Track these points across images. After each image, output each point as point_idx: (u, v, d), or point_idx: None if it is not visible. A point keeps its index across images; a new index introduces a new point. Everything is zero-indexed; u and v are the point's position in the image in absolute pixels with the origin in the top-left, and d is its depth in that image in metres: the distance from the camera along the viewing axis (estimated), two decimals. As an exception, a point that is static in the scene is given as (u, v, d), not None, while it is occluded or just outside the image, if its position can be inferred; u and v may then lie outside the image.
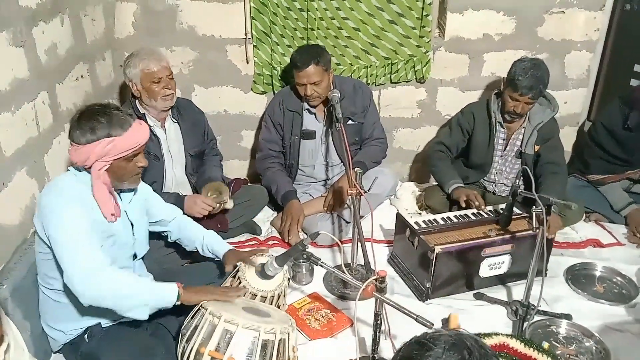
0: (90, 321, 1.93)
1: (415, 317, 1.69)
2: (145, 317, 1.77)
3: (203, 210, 2.55)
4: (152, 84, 2.50)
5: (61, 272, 1.76)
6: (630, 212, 2.99)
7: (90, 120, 1.74)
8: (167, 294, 1.80)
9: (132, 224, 1.99)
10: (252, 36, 3.12)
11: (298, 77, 2.74)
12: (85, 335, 1.92)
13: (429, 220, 2.60)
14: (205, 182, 2.71)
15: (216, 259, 2.56)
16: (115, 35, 3.08)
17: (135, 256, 2.04)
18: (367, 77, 3.22)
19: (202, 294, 1.84)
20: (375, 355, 1.95)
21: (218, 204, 2.61)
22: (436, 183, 3.08)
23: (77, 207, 1.75)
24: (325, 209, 2.95)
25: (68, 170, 1.88)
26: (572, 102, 3.42)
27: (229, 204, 2.68)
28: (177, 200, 2.54)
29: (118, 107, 1.83)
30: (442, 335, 1.02)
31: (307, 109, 2.92)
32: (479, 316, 2.37)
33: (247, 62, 3.20)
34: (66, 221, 1.72)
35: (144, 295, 1.77)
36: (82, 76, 2.68)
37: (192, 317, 1.80)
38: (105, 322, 1.95)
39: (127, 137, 1.76)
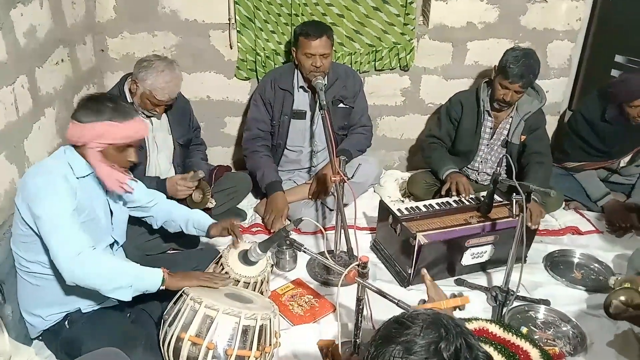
0: (70, 306, 1.92)
1: (396, 302, 1.71)
2: (128, 298, 1.78)
3: (185, 192, 2.54)
4: (149, 102, 2.48)
5: (43, 253, 1.77)
6: (607, 202, 3.04)
7: (97, 103, 1.82)
8: (152, 277, 1.81)
9: (112, 212, 1.99)
10: (235, 21, 3.09)
11: (310, 47, 2.70)
12: (66, 322, 1.92)
13: (412, 208, 2.62)
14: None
15: (199, 247, 2.57)
16: (96, 19, 3.02)
17: (112, 245, 2.02)
18: (351, 64, 3.21)
19: (187, 280, 1.86)
20: (358, 340, 1.97)
21: (196, 181, 2.58)
22: (419, 171, 3.11)
23: (65, 189, 1.77)
24: (310, 196, 2.96)
25: (56, 151, 1.90)
26: (553, 91, 3.45)
27: (210, 203, 2.65)
28: (159, 184, 2.52)
29: (124, 100, 1.95)
30: (420, 314, 1.05)
31: (302, 87, 2.90)
32: (459, 302, 2.40)
33: (231, 48, 3.17)
34: (55, 202, 1.74)
35: (128, 277, 1.77)
36: (62, 60, 2.63)
37: (174, 303, 1.80)
38: (85, 308, 1.94)
39: (125, 127, 1.82)
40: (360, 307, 1.88)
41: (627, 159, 3.09)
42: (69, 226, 1.73)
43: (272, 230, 2.79)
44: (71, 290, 1.86)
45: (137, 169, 2.55)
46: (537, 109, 2.90)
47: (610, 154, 3.06)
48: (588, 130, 3.05)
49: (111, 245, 2.02)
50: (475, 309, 2.35)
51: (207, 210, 2.64)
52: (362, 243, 2.66)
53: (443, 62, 3.33)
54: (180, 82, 2.54)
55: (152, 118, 2.60)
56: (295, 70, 2.89)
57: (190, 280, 1.86)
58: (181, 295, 1.79)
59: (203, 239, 2.56)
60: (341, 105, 2.96)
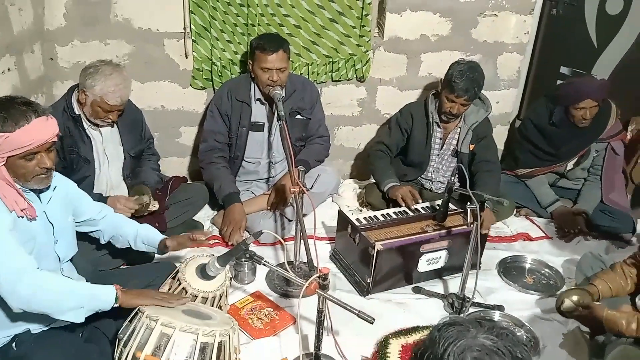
0: (18, 328, 1.82)
1: (357, 312, 1.73)
2: (80, 320, 1.71)
3: (125, 212, 2.42)
4: (101, 109, 2.40)
5: None
6: (556, 209, 3.16)
7: None
8: (105, 296, 1.74)
9: (52, 225, 1.87)
10: (191, 30, 3.05)
11: (266, 61, 2.69)
12: (13, 344, 1.81)
13: (370, 217, 2.65)
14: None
15: (154, 262, 2.50)
16: (45, 27, 2.92)
17: (60, 259, 1.92)
18: (308, 74, 3.22)
19: (142, 298, 1.79)
20: (319, 352, 1.97)
21: (140, 205, 2.50)
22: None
23: None
24: (268, 207, 2.94)
25: None
26: (503, 101, 3.57)
27: (153, 206, 2.57)
28: (100, 200, 2.41)
29: (25, 101, 1.69)
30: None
31: (259, 99, 2.88)
32: (417, 309, 2.44)
33: (186, 57, 3.12)
34: None
35: (79, 297, 1.70)
36: (8, 69, 2.53)
37: (129, 321, 1.75)
38: (35, 328, 1.84)
39: (19, 134, 1.62)
40: (321, 318, 1.88)
41: (573, 161, 3.21)
42: (7, 249, 1.62)
43: (229, 243, 2.76)
44: (19, 313, 1.77)
45: (84, 181, 2.47)
46: (484, 118, 2.99)
47: (558, 157, 3.17)
48: (537, 135, 3.16)
49: (58, 259, 1.91)
50: (434, 315, 2.39)
51: (151, 213, 2.57)
52: (322, 253, 2.66)
53: (398, 73, 3.39)
54: (130, 85, 2.48)
55: (102, 129, 2.53)
56: (252, 82, 2.88)
57: (145, 299, 1.79)
58: (136, 313, 1.74)
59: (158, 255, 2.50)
60: (298, 116, 2.96)
